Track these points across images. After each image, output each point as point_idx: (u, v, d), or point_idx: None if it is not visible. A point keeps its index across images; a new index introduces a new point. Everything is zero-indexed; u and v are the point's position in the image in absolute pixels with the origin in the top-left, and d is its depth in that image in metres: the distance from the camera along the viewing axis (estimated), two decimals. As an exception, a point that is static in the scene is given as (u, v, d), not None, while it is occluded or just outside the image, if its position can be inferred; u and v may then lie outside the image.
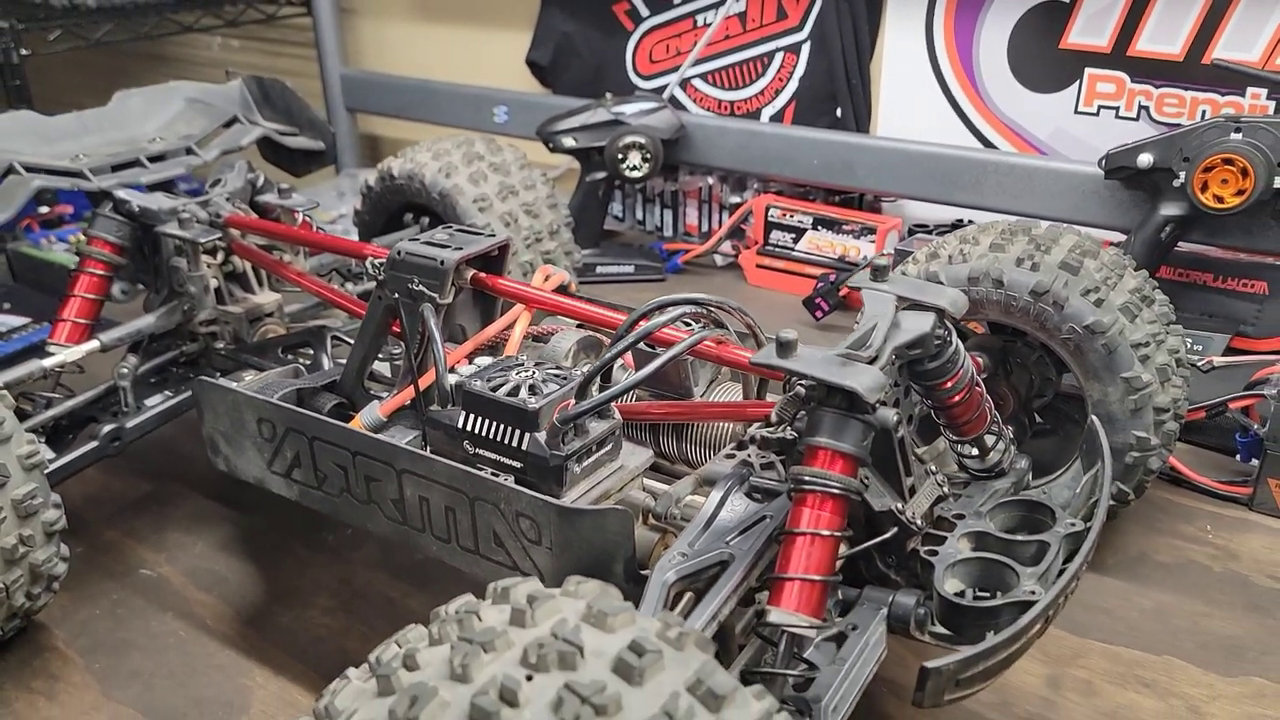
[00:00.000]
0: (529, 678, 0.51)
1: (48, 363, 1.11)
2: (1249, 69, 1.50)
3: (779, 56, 1.99)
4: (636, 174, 1.89)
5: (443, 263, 0.97)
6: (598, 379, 0.87)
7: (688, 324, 0.95)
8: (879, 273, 0.85)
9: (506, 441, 0.86)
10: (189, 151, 1.31)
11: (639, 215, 2.20)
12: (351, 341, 1.19)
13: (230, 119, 1.39)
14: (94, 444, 1.11)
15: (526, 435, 0.85)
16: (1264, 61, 1.54)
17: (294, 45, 2.67)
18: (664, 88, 2.12)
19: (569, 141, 1.90)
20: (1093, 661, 1.00)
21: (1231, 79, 1.56)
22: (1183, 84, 1.60)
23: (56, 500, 0.98)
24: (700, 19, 2.06)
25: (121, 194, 1.19)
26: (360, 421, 0.98)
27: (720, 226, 2.03)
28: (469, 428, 0.89)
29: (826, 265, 1.84)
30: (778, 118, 2.04)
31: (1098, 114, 1.69)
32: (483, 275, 1.02)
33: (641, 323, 0.89)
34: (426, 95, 2.29)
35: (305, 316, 1.34)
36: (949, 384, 0.86)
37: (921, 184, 1.74)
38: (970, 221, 1.76)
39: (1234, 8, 1.54)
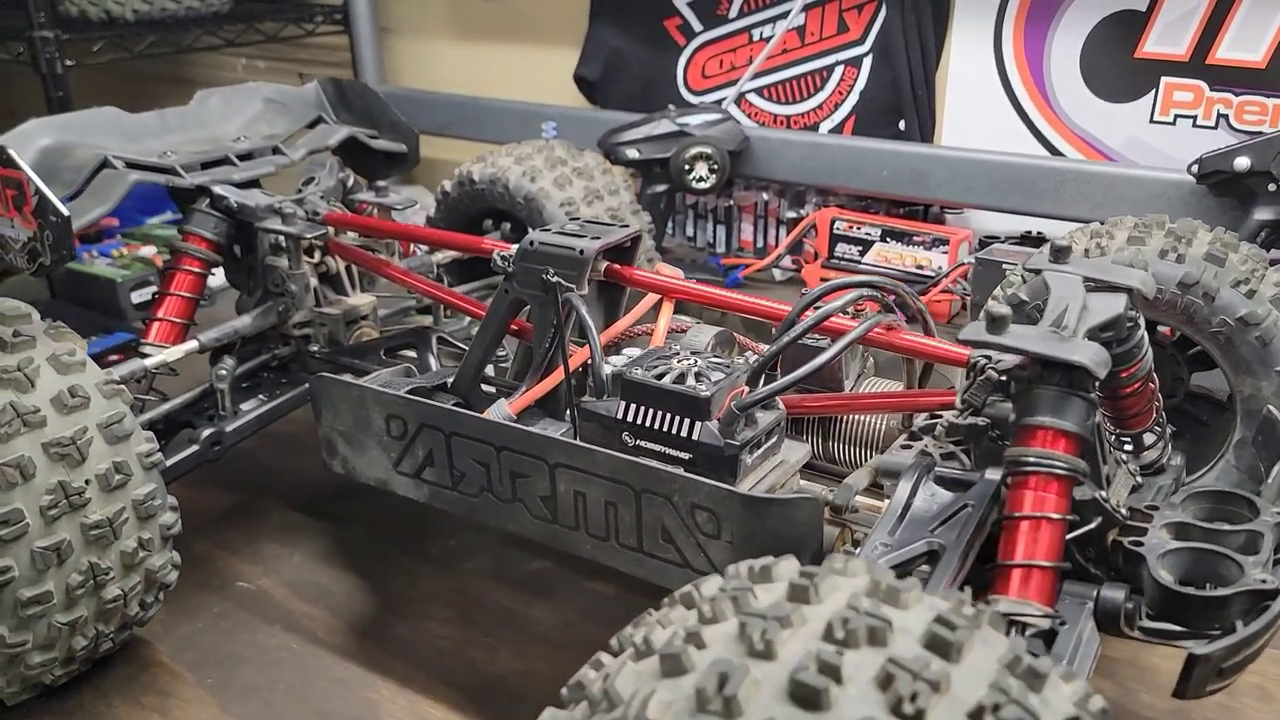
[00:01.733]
0: (839, 653, 0.46)
1: (149, 363, 1.06)
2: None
3: (839, 70, 1.97)
4: (703, 185, 1.86)
5: (582, 252, 0.93)
6: (767, 367, 0.83)
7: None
8: (1060, 254, 0.82)
9: (674, 431, 0.82)
10: (276, 151, 1.27)
11: (689, 231, 2.16)
12: (456, 343, 1.15)
13: (315, 119, 1.35)
14: (195, 448, 1.06)
15: (698, 424, 0.81)
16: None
17: (326, 65, 2.64)
18: (718, 103, 2.09)
19: (632, 153, 1.87)
20: (1264, 666, 0.95)
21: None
22: (1265, 91, 1.59)
23: (173, 503, 0.92)
24: (756, 33, 2.04)
25: (219, 190, 1.14)
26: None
27: (778, 243, 2.00)
28: (629, 418, 0.84)
29: (896, 277, 1.80)
30: (837, 131, 2.01)
31: (1174, 123, 1.68)
32: (617, 266, 0.98)
33: (807, 313, 0.85)
34: (473, 111, 2.26)
35: (395, 320, 1.29)
36: (1128, 372, 0.83)
37: (997, 194, 1.72)
38: (1039, 233, 1.73)
39: (1318, 14, 1.53)
